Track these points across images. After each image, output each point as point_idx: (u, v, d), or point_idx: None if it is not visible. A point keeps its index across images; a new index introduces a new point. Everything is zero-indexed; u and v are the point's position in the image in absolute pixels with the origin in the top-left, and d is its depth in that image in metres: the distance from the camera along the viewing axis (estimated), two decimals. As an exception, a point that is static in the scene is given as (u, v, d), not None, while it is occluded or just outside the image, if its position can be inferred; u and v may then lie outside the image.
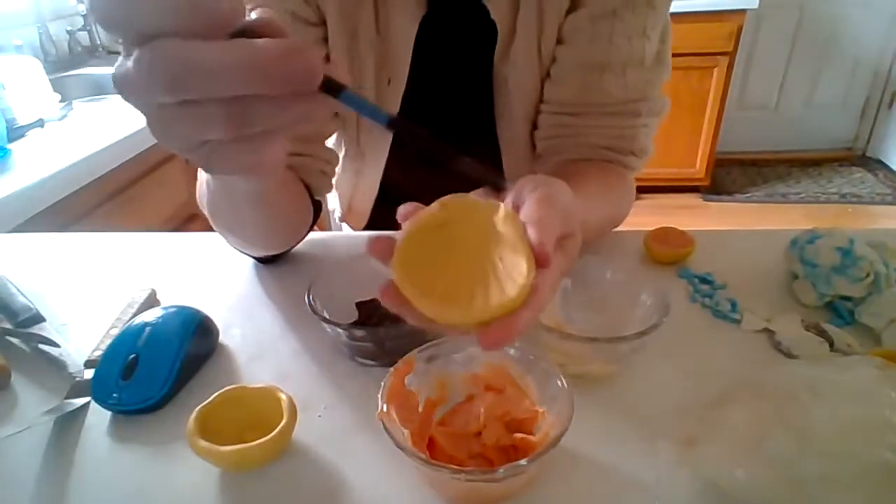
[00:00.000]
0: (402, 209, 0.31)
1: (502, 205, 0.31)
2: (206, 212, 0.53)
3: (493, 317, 0.27)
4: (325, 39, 0.56)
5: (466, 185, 0.48)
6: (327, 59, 0.53)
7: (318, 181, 0.61)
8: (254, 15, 0.23)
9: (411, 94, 0.62)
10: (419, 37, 0.58)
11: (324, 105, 0.24)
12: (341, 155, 0.70)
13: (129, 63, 0.21)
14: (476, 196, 0.32)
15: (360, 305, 0.53)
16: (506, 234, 0.30)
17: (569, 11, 0.56)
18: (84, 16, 1.90)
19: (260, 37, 0.22)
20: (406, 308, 0.28)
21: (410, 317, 0.29)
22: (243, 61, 0.21)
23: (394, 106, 0.63)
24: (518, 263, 0.28)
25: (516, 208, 0.34)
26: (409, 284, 0.28)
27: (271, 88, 0.21)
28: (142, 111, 0.24)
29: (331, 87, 0.23)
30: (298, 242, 0.65)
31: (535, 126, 0.64)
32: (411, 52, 0.59)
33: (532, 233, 0.29)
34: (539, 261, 0.28)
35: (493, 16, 0.56)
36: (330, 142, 0.72)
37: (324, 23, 0.55)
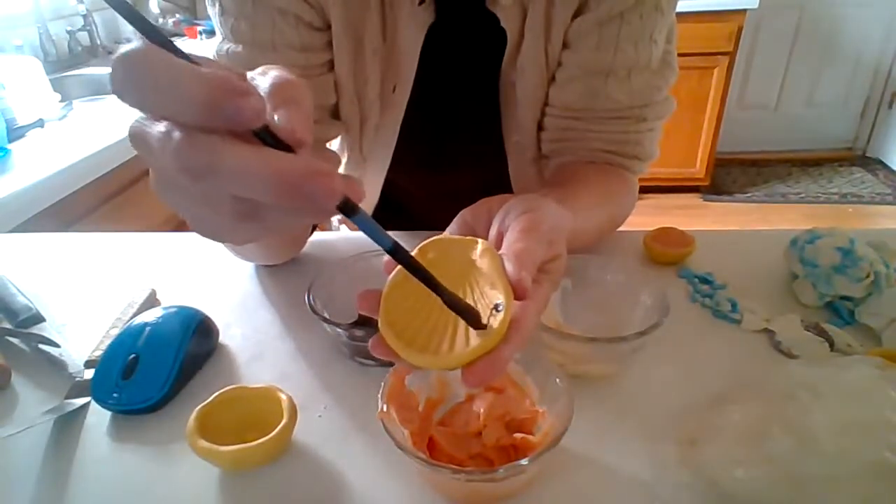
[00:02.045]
0: (386, 262, 0.31)
1: (480, 241, 0.32)
2: None
3: (476, 356, 0.28)
4: (330, 44, 0.56)
5: (467, 192, 0.48)
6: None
7: None
8: (276, 117, 0.22)
9: (417, 99, 0.62)
10: (426, 44, 0.57)
11: (332, 214, 0.23)
12: (343, 160, 0.70)
13: (153, 131, 0.21)
14: (455, 234, 0.32)
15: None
16: (484, 270, 0.31)
17: (575, 15, 0.55)
18: (84, 16, 1.90)
19: (276, 138, 0.21)
20: (396, 358, 0.29)
21: (404, 367, 0.30)
22: (268, 174, 0.20)
23: (399, 112, 0.63)
24: (496, 298, 0.29)
25: (501, 235, 0.34)
26: (394, 337, 0.29)
27: (289, 204, 0.21)
28: (150, 167, 0.23)
29: (346, 209, 0.22)
30: (299, 252, 0.65)
31: (540, 129, 0.64)
32: (418, 59, 0.59)
33: (510, 267, 0.30)
34: (516, 294, 0.29)
35: (503, 23, 0.55)
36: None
37: (329, 27, 0.55)
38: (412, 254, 0.31)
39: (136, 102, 0.20)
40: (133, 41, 0.21)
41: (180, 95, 0.20)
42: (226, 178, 0.20)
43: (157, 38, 0.20)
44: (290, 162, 0.21)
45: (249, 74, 0.24)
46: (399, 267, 0.31)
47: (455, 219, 0.39)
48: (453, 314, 0.29)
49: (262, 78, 0.23)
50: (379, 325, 0.30)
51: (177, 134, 0.20)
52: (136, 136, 0.22)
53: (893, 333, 0.49)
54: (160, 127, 0.21)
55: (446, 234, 0.37)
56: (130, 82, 0.20)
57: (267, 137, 0.21)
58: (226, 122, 0.20)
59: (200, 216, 0.24)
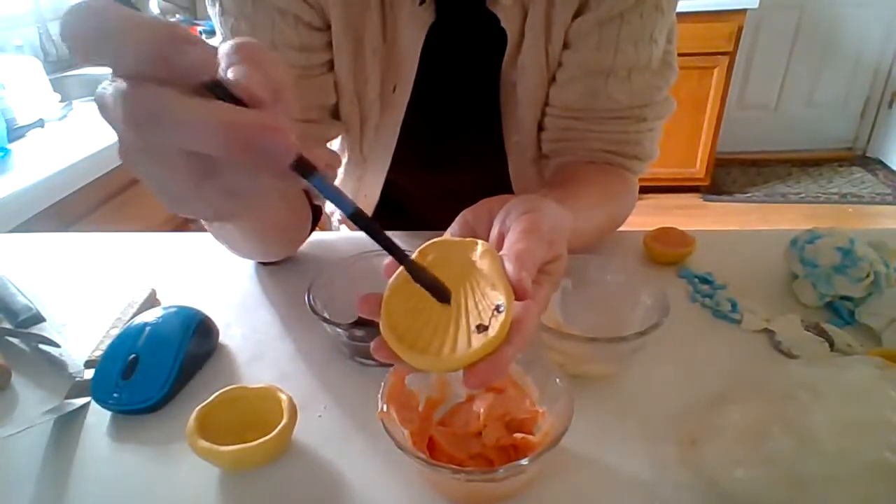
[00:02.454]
0: (386, 264, 0.31)
1: (480, 242, 0.32)
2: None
3: (477, 358, 0.28)
4: (330, 44, 0.56)
5: (467, 192, 0.48)
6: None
7: None
8: (230, 73, 0.21)
9: (417, 100, 0.62)
10: (426, 44, 0.57)
11: (293, 182, 0.23)
12: (343, 160, 0.70)
13: (109, 90, 0.21)
14: (455, 236, 0.33)
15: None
16: (485, 271, 0.31)
17: (575, 15, 0.55)
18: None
19: (234, 97, 0.21)
20: (398, 361, 0.29)
21: (404, 368, 0.30)
22: (214, 124, 0.20)
23: (399, 112, 0.63)
24: (497, 300, 0.29)
25: (502, 236, 0.34)
26: (396, 340, 0.29)
27: (238, 157, 0.20)
28: (116, 134, 0.24)
29: (302, 169, 0.22)
30: (297, 249, 0.65)
31: (540, 128, 0.64)
32: (418, 60, 0.58)
33: (509, 266, 0.30)
34: (517, 294, 0.29)
35: (503, 24, 0.55)
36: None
37: (329, 27, 0.55)
38: (412, 256, 0.32)
39: (83, 51, 0.20)
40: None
41: (126, 43, 0.20)
42: (169, 129, 0.20)
43: None
44: (239, 114, 0.21)
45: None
46: (400, 269, 0.31)
47: (456, 219, 0.39)
48: (454, 316, 0.29)
49: (227, 43, 0.23)
50: (380, 328, 0.30)
51: (123, 85, 0.20)
52: (98, 100, 0.22)
53: (893, 333, 0.49)
54: (114, 84, 0.21)
55: (447, 235, 0.37)
56: (79, 30, 0.20)
57: (223, 95, 0.21)
58: (170, 70, 0.20)
59: (161, 180, 0.24)
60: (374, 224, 0.26)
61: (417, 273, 0.28)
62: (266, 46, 0.53)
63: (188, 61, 0.20)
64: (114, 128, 0.23)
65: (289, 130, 0.21)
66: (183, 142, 0.21)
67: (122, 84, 0.20)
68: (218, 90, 0.21)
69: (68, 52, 1.81)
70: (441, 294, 0.29)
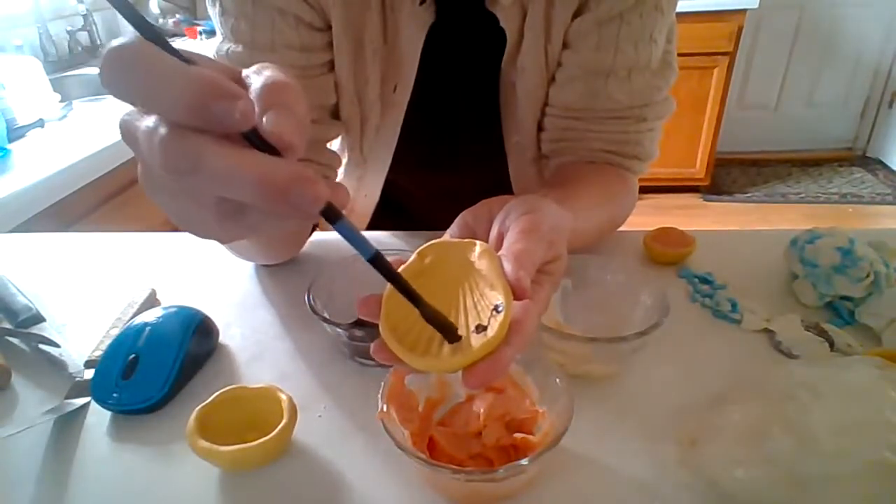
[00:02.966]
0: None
1: (478, 243, 0.32)
2: None
3: (477, 358, 0.28)
4: (330, 44, 0.56)
5: (467, 192, 0.48)
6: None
7: None
8: (265, 121, 0.21)
9: (417, 100, 0.62)
10: (426, 44, 0.57)
11: (315, 222, 0.23)
12: (344, 160, 0.70)
13: (141, 125, 0.21)
14: (454, 237, 0.33)
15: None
16: (483, 271, 0.31)
17: (575, 15, 0.55)
18: (84, 16, 1.90)
19: (269, 144, 0.21)
20: (398, 362, 0.29)
21: (404, 369, 0.30)
22: (252, 177, 0.20)
23: (399, 112, 0.63)
24: (495, 300, 0.29)
25: (501, 236, 0.34)
26: (395, 342, 0.29)
27: (272, 208, 0.21)
28: (138, 161, 0.23)
29: (329, 215, 0.23)
30: (299, 251, 0.65)
31: (540, 129, 0.64)
32: (418, 60, 0.59)
33: (508, 266, 0.30)
34: (515, 294, 0.29)
35: (502, 24, 0.55)
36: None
37: (329, 27, 0.55)
38: (411, 258, 0.32)
39: (123, 97, 0.20)
40: (126, 35, 0.21)
41: (168, 94, 0.19)
42: (209, 178, 0.20)
43: (151, 33, 0.20)
44: (275, 166, 0.21)
45: (244, 72, 0.24)
46: (400, 269, 0.31)
47: (456, 220, 0.39)
48: (454, 317, 0.29)
49: (256, 77, 0.23)
50: (380, 329, 0.30)
51: (163, 130, 0.20)
52: (125, 129, 0.22)
53: (893, 333, 0.49)
54: (148, 122, 0.21)
55: (446, 236, 0.37)
56: (119, 77, 0.20)
57: (255, 140, 0.21)
58: (213, 124, 0.20)
59: (184, 213, 0.24)
60: (393, 270, 0.26)
61: (432, 317, 0.28)
62: (267, 47, 0.53)
63: (231, 117, 0.20)
64: (140, 159, 0.23)
65: (319, 180, 0.21)
66: (220, 191, 0.21)
67: (161, 128, 0.20)
68: (251, 136, 0.21)
69: (68, 52, 1.81)
70: (452, 335, 0.28)
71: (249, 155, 0.21)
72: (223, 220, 0.23)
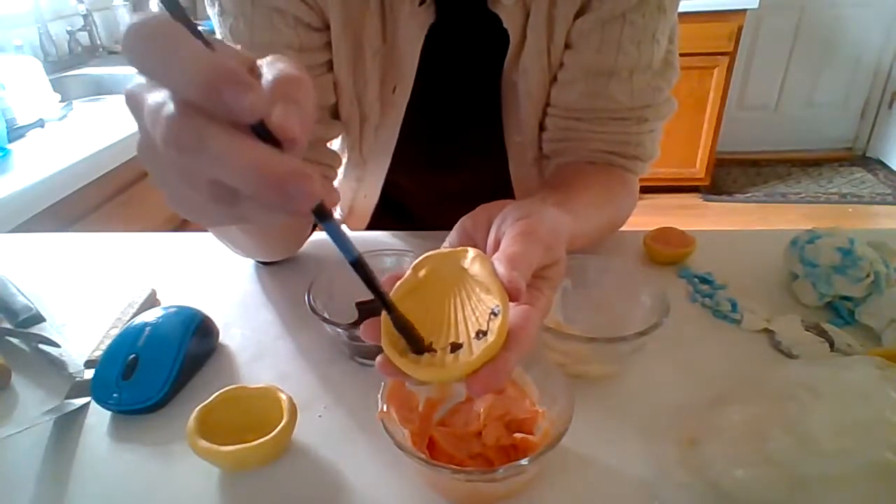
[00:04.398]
0: (385, 279, 0.32)
1: (470, 249, 0.32)
2: None
3: (480, 364, 0.28)
4: (329, 44, 0.56)
5: (467, 192, 0.48)
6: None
7: None
8: (273, 115, 0.22)
9: (417, 100, 0.62)
10: (426, 44, 0.57)
11: (305, 219, 0.24)
12: (343, 160, 0.70)
13: (149, 98, 0.21)
14: (453, 245, 0.34)
15: (359, 305, 0.52)
16: (478, 276, 0.31)
17: (577, 15, 0.55)
18: (84, 16, 1.90)
19: (273, 137, 0.22)
20: (403, 376, 0.29)
21: (408, 382, 0.30)
22: (250, 166, 0.21)
23: (399, 113, 0.62)
24: (492, 303, 0.29)
25: (498, 241, 0.35)
26: (398, 356, 0.29)
27: (266, 199, 0.21)
28: (139, 130, 0.24)
29: (319, 213, 0.23)
30: (298, 249, 0.65)
31: (541, 129, 0.64)
32: (418, 60, 0.58)
33: (500, 268, 0.30)
34: (510, 294, 0.29)
35: (505, 24, 0.55)
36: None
37: (328, 28, 0.55)
38: (406, 274, 0.32)
39: (141, 67, 0.21)
40: (154, 11, 0.21)
41: (185, 71, 0.20)
42: (209, 160, 0.21)
43: (179, 14, 0.21)
44: (275, 157, 0.21)
45: (259, 61, 0.24)
46: (397, 285, 0.32)
47: (455, 227, 0.39)
48: (453, 326, 0.30)
49: (269, 68, 0.23)
50: (382, 346, 0.30)
51: (171, 106, 0.21)
52: (132, 99, 0.22)
53: (893, 333, 0.49)
54: (158, 96, 0.21)
55: (445, 245, 0.38)
56: (142, 46, 0.20)
57: (260, 130, 0.21)
58: (222, 109, 0.20)
59: (177, 189, 0.24)
60: (372, 275, 0.27)
61: (401, 323, 0.29)
62: (265, 47, 0.53)
63: (240, 106, 0.20)
64: (139, 126, 0.23)
65: (316, 178, 0.21)
66: (218, 174, 0.21)
67: (171, 104, 0.21)
68: (256, 126, 0.22)
69: (68, 52, 1.81)
70: (418, 344, 0.29)
71: (252, 143, 0.21)
72: (214, 205, 0.23)
